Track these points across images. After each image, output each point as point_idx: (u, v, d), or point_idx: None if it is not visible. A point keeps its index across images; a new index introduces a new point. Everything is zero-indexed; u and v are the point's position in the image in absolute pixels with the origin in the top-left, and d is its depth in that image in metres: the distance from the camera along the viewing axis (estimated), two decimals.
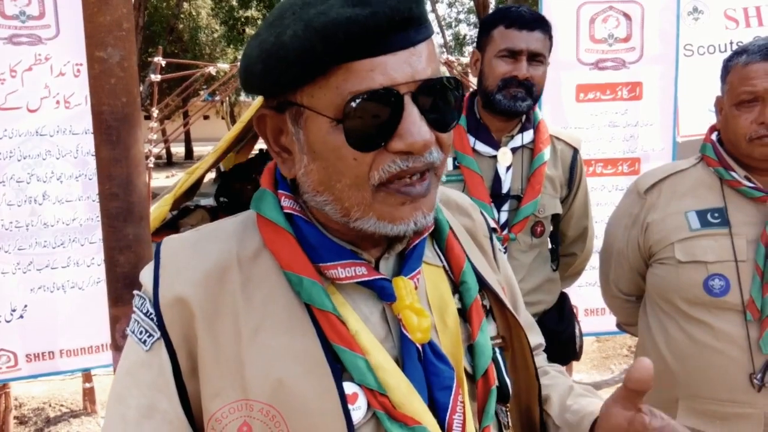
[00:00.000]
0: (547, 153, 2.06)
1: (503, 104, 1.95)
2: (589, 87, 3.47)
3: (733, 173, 1.65)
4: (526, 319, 1.14)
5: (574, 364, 4.41)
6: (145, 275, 0.85)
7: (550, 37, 1.99)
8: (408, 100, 0.74)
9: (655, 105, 3.49)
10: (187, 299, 0.80)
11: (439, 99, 0.77)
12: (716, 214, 1.65)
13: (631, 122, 3.51)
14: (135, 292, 0.87)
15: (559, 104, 3.47)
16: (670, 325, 1.70)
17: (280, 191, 0.87)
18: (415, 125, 0.74)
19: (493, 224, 1.09)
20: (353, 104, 0.72)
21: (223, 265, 0.83)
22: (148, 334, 0.82)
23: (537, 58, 1.94)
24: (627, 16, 3.42)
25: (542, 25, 1.95)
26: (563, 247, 2.29)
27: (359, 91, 0.72)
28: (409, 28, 0.74)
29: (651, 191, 1.77)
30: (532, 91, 1.95)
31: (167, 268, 0.83)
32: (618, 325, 2.08)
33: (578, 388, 1.03)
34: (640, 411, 0.84)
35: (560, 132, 2.19)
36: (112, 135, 1.66)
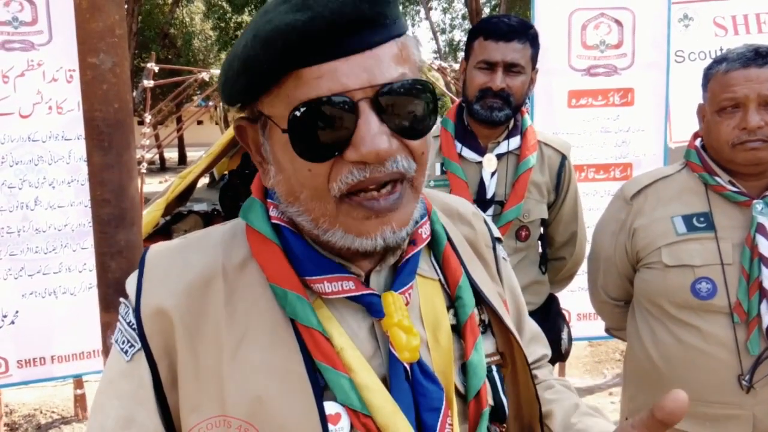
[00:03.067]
0: (532, 159, 2.09)
1: (481, 114, 2.00)
2: (581, 93, 3.49)
3: (717, 178, 1.67)
4: (532, 329, 1.11)
5: (567, 368, 4.42)
6: (130, 284, 0.83)
7: (534, 45, 2.01)
8: (365, 107, 0.70)
9: (647, 111, 3.52)
10: (167, 311, 0.78)
11: (407, 104, 0.72)
12: (702, 219, 1.67)
13: (623, 128, 3.53)
14: (121, 299, 0.85)
15: (550, 110, 3.49)
16: (659, 329, 1.72)
17: (269, 201, 0.85)
18: (369, 133, 0.69)
19: (497, 233, 1.05)
20: (296, 113, 0.70)
21: (208, 276, 0.81)
22: (129, 344, 0.80)
23: (513, 68, 1.97)
24: (618, 23, 3.45)
25: (520, 35, 1.97)
26: (552, 251, 2.32)
27: (307, 99, 0.69)
28: (363, 29, 0.70)
29: (637, 197, 1.79)
30: (509, 100, 1.98)
31: (150, 277, 0.81)
32: (607, 330, 2.10)
33: (584, 406, 0.98)
34: None
35: (549, 138, 2.22)
36: (104, 141, 1.66)
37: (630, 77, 3.49)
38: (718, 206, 1.67)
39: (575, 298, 3.50)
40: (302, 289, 0.79)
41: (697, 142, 1.77)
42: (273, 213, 0.83)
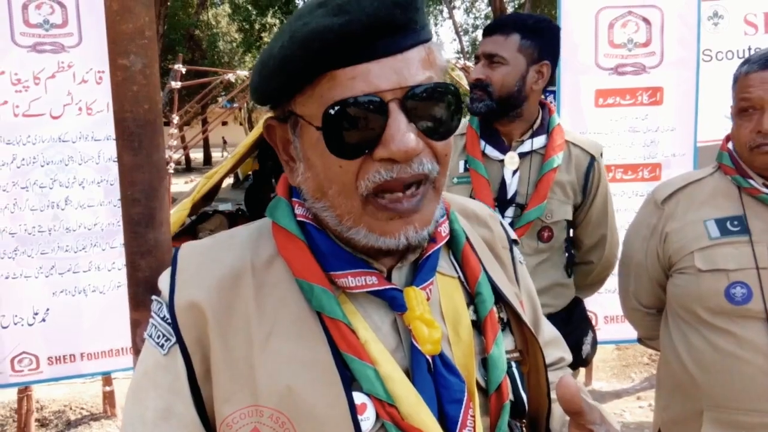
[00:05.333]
0: (557, 159, 2.06)
1: (469, 107, 2.06)
2: (608, 92, 3.45)
3: (750, 181, 1.64)
4: (550, 332, 1.12)
5: (594, 372, 4.37)
6: (163, 281, 0.87)
7: (529, 37, 2.00)
8: (394, 107, 0.73)
9: (676, 110, 3.46)
10: (200, 304, 0.81)
11: (432, 106, 0.76)
12: (735, 222, 1.64)
13: (651, 127, 3.48)
14: (153, 297, 0.88)
15: (578, 109, 3.45)
16: (693, 336, 1.68)
17: (294, 199, 0.88)
18: (399, 132, 0.72)
19: (514, 236, 1.07)
20: (331, 112, 0.73)
21: (237, 272, 0.84)
22: (165, 338, 0.83)
23: (493, 59, 2.00)
24: (646, 21, 3.40)
25: (505, 28, 2.01)
26: (580, 254, 2.28)
27: (341, 99, 0.73)
28: (396, 34, 0.74)
29: (668, 201, 1.76)
30: (488, 91, 2.01)
31: (183, 273, 0.85)
32: (639, 340, 2.06)
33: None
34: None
35: (579, 138, 2.19)
36: (134, 141, 1.68)
37: (659, 76, 3.43)
38: (753, 209, 1.64)
39: (602, 300, 3.46)
40: (328, 284, 0.82)
41: (730, 145, 1.74)
42: (298, 211, 0.86)
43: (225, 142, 25.05)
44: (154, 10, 1.76)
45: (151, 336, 0.85)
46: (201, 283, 0.83)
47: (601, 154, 2.17)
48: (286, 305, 0.82)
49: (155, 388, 0.83)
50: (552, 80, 2.12)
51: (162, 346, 0.83)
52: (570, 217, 2.12)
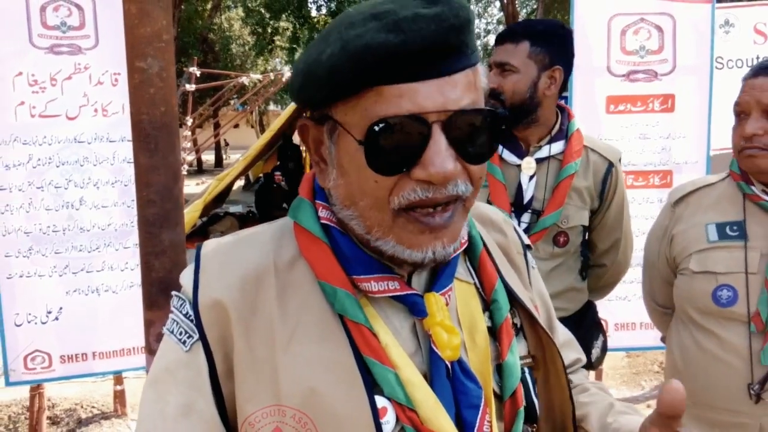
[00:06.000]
0: (575, 165, 2.06)
1: None
2: (619, 99, 3.44)
3: (752, 187, 1.67)
4: (564, 334, 1.13)
5: (604, 379, 4.35)
6: (186, 277, 0.87)
7: (539, 44, 2.00)
8: (436, 130, 0.73)
9: (689, 117, 3.45)
10: (224, 302, 0.82)
11: (473, 131, 0.76)
12: (735, 227, 1.68)
13: (663, 134, 3.47)
14: (173, 292, 0.88)
15: (590, 115, 3.44)
16: (685, 335, 1.74)
17: (318, 201, 0.88)
18: (439, 155, 0.73)
19: (527, 241, 1.09)
20: (375, 128, 0.73)
21: (261, 271, 0.84)
22: (187, 335, 0.84)
23: (504, 67, 2.02)
24: (659, 28, 3.40)
25: (515, 35, 2.01)
26: (594, 257, 2.28)
27: (386, 116, 0.73)
28: (448, 57, 0.74)
29: (679, 204, 1.81)
30: (501, 99, 2.02)
31: (207, 271, 0.85)
32: (662, 339, 2.09)
33: (619, 405, 0.99)
34: None
35: (597, 144, 2.18)
36: (150, 143, 1.71)
37: (671, 83, 3.42)
38: (754, 215, 1.67)
39: (613, 307, 3.45)
40: (350, 287, 0.82)
41: None
42: (322, 214, 0.87)
43: (227, 144, 25.40)
44: (171, 13, 1.79)
45: (172, 332, 0.86)
46: (225, 282, 0.83)
47: (620, 160, 2.17)
48: (308, 307, 0.82)
49: (176, 384, 0.83)
50: (565, 85, 2.12)
51: (184, 342, 0.84)
52: (586, 222, 2.13)
